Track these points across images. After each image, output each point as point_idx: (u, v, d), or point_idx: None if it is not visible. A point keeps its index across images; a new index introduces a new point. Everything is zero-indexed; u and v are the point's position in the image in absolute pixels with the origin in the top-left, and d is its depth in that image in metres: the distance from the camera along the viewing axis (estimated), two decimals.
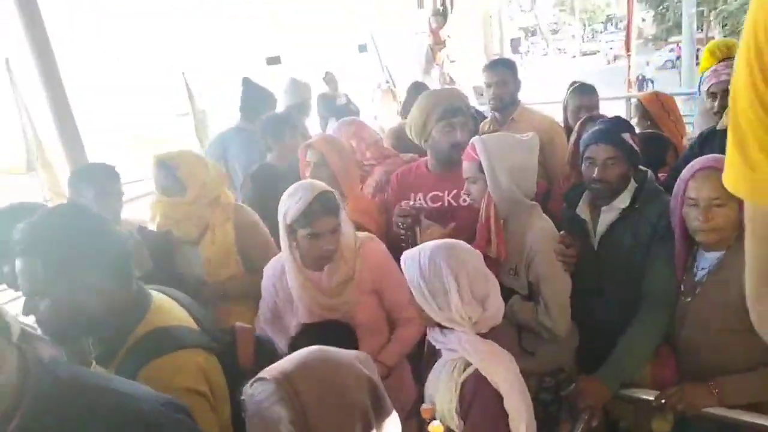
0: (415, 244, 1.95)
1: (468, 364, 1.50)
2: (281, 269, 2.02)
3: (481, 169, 2.05)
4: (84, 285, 1.28)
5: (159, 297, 1.45)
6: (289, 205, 1.90)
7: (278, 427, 0.99)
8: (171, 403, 1.10)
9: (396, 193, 2.53)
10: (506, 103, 3.07)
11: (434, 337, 1.59)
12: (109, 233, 1.36)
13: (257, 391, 1.04)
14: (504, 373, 1.49)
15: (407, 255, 1.59)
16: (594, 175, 2.04)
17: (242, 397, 1.08)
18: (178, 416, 1.09)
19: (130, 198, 4.04)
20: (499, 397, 1.46)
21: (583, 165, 2.13)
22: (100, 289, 1.30)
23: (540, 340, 2.05)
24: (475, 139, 2.11)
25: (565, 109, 3.33)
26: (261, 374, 1.06)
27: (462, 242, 1.64)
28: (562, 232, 2.05)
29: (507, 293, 2.05)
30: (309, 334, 1.82)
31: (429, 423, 1.47)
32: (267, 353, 1.56)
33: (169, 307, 1.44)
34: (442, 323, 1.53)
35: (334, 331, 1.84)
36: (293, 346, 1.81)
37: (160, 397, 1.10)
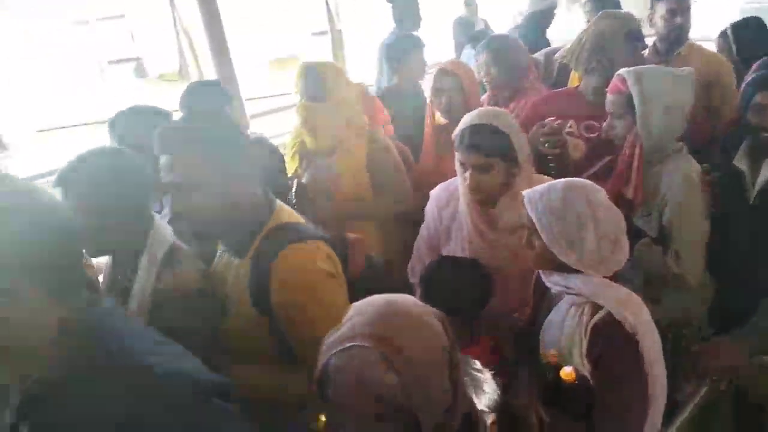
0: (565, 166, 1.83)
1: (596, 308, 1.42)
2: (450, 196, 1.95)
3: (630, 104, 1.89)
4: (236, 177, 1.36)
5: (278, 201, 1.51)
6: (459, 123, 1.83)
7: (390, 392, 0.92)
8: (208, 385, 1.01)
9: (532, 120, 2.38)
10: (682, 36, 2.78)
11: (553, 280, 1.50)
12: (243, 135, 1.43)
13: (355, 358, 0.93)
14: (640, 315, 1.42)
15: (533, 193, 1.49)
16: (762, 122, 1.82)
17: (324, 366, 0.97)
18: (209, 401, 0.99)
19: (262, 112, 4.27)
20: (634, 341, 1.38)
21: (748, 111, 1.90)
22: (248, 182, 1.39)
23: (668, 289, 1.93)
24: (624, 70, 1.93)
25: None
26: (346, 343, 0.94)
27: (589, 181, 1.53)
28: (703, 165, 1.90)
29: (635, 235, 1.93)
30: (444, 266, 1.79)
31: (560, 369, 1.43)
32: (375, 272, 1.59)
33: (289, 209, 1.51)
34: (571, 264, 1.44)
35: (470, 270, 1.77)
36: (426, 275, 1.80)
37: (202, 378, 1.01)
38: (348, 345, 0.93)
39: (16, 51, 11.13)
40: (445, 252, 1.95)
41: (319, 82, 2.36)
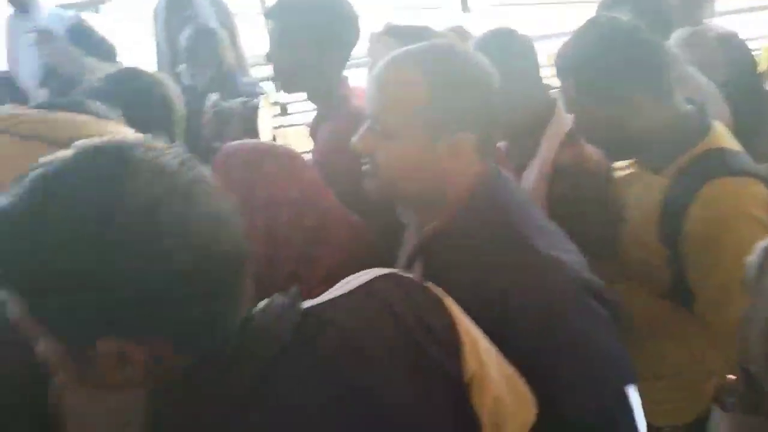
0: None
1: None
2: None
3: None
4: (613, 99, 1.25)
5: (719, 124, 1.33)
6: None
7: None
8: (588, 285, 0.94)
9: None
10: None
11: None
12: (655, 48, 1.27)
13: None
14: None
15: None
16: None
17: None
18: (587, 302, 0.93)
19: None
20: None
21: None
22: (635, 104, 1.25)
23: None
24: None
25: None
26: None
27: None
28: None
29: None
30: None
31: None
32: None
33: (728, 135, 1.33)
34: None
35: None
36: None
37: (581, 275, 0.95)
38: None
39: None
40: None
41: None
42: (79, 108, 0.99)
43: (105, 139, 0.60)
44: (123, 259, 0.53)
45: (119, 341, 0.56)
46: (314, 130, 1.64)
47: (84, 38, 2.16)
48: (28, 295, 0.56)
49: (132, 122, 1.04)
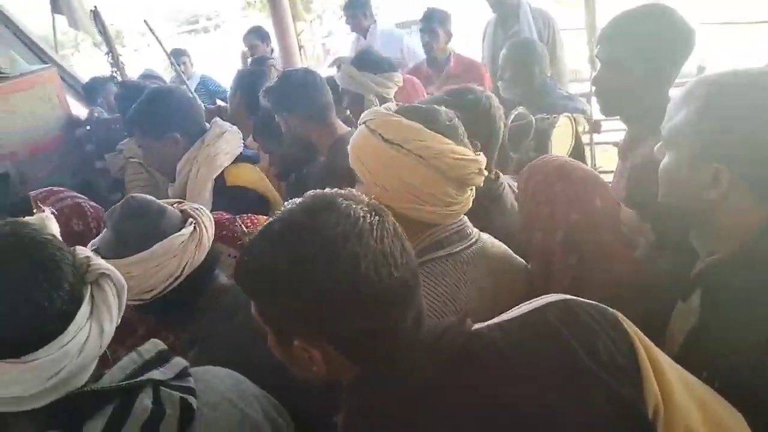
0: None
1: None
2: None
3: None
4: None
5: None
6: None
7: None
8: None
9: None
10: None
11: None
12: None
13: None
14: None
15: None
16: None
17: None
18: None
19: None
20: None
21: None
22: None
23: None
24: None
25: None
26: None
27: None
28: None
29: None
30: None
31: None
32: None
33: None
34: None
35: None
36: None
37: None
38: None
39: None
40: None
41: None
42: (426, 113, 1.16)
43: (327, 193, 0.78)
44: (306, 281, 0.70)
45: (304, 343, 0.74)
46: (625, 151, 1.58)
47: (365, 59, 2.55)
48: (256, 300, 0.78)
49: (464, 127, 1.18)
